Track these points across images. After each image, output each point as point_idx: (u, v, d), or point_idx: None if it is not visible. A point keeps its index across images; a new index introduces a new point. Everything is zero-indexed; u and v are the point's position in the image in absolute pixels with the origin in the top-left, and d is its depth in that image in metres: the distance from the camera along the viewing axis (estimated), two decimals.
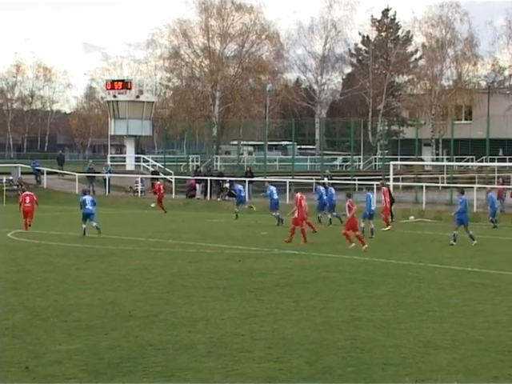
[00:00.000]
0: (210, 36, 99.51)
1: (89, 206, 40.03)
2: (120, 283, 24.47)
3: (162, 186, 56.82)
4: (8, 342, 16.65)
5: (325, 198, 45.42)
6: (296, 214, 36.65)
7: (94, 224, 39.52)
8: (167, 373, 14.36)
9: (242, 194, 51.79)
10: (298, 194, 38.34)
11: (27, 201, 44.15)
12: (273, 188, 46.42)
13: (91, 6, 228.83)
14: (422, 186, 56.31)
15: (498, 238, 40.20)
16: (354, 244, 33.53)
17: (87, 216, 39.70)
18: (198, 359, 15.34)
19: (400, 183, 56.19)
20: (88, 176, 69.85)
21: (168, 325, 18.41)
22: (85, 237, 38.22)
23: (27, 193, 46.00)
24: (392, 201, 48.07)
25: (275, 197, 45.51)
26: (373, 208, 40.26)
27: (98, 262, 29.62)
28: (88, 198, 41.33)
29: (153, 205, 56.54)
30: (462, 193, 36.94)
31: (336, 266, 28.39)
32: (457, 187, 60.44)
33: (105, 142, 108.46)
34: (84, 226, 39.31)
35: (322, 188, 46.36)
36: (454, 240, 35.40)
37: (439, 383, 13.83)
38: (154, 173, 73.75)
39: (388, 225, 42.85)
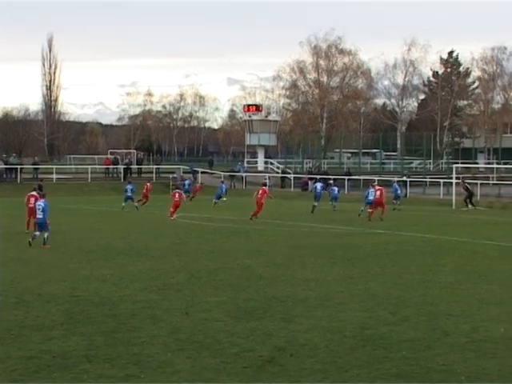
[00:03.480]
0: (320, 72, 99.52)
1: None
2: (253, 253, 24.58)
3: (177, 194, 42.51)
4: (173, 294, 16.89)
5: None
6: None
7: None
8: (287, 318, 14.38)
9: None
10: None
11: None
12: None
13: (235, 57, 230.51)
14: (477, 183, 55.18)
15: None
16: None
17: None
18: (309, 309, 15.33)
19: (460, 181, 55.19)
20: (230, 175, 70.31)
21: (288, 283, 18.44)
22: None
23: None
24: (471, 194, 48.18)
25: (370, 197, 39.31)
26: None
27: (237, 237, 29.82)
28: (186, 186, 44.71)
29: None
30: None
31: (412, 242, 28.03)
32: (503, 184, 59.37)
33: (242, 150, 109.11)
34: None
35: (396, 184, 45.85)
36: None
37: (489, 330, 13.53)
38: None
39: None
